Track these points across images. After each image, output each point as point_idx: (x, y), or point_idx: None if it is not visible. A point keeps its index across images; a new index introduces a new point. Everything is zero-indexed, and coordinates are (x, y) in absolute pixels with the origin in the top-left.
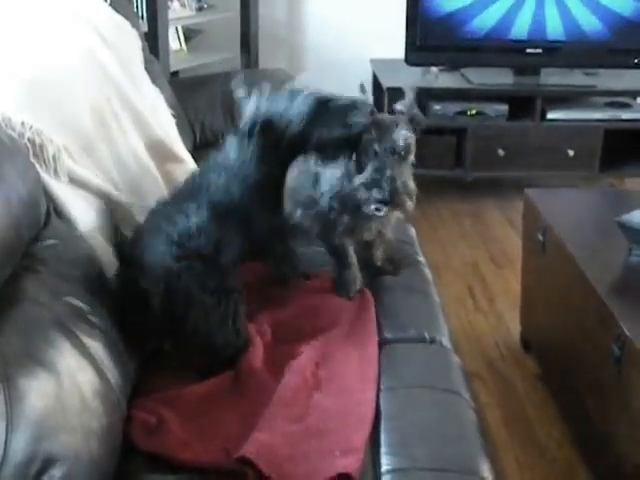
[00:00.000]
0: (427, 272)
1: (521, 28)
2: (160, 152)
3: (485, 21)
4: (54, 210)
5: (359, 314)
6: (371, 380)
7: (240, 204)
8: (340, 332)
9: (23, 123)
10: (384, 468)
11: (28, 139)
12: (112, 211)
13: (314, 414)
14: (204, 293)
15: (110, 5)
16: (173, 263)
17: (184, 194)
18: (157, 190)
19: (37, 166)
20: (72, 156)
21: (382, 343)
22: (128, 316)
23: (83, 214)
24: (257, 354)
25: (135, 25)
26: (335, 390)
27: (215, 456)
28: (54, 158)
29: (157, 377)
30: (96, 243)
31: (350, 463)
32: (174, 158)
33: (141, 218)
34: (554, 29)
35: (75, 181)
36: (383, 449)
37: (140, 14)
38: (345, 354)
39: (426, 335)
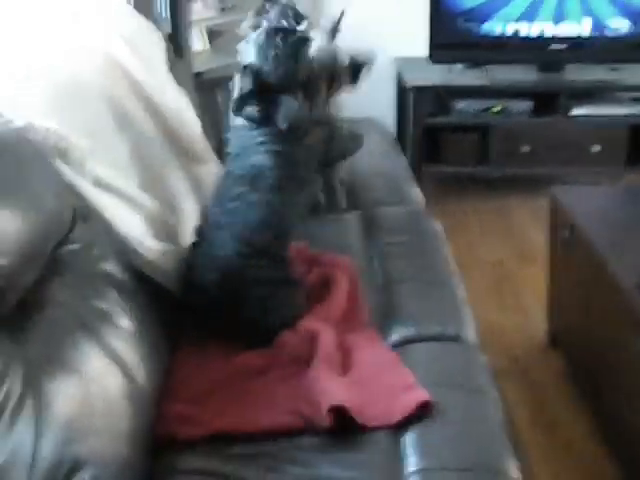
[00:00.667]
0: (452, 265)
1: (544, 24)
2: (185, 154)
3: (507, 17)
4: (80, 214)
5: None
6: (375, 338)
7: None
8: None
9: (48, 129)
10: (411, 469)
11: (54, 144)
12: (142, 211)
13: (354, 368)
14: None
15: (133, 7)
16: (239, 261)
17: (236, 185)
18: (184, 192)
19: (66, 169)
20: (97, 159)
21: (404, 339)
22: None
23: (114, 213)
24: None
25: (158, 26)
26: (356, 348)
27: (281, 419)
28: (80, 162)
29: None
30: (130, 242)
31: (420, 394)
32: (200, 159)
33: (168, 219)
34: (577, 24)
35: (101, 184)
36: (409, 450)
37: (163, 15)
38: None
39: (450, 331)
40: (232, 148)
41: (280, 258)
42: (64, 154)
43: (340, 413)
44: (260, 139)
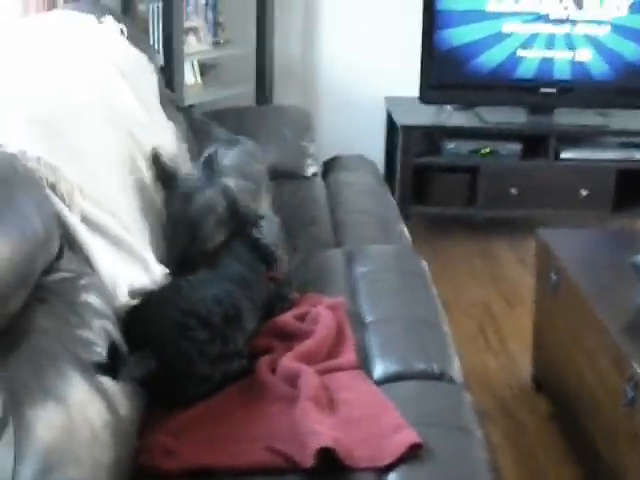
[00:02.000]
0: (438, 304)
1: (533, 67)
2: None
3: (497, 58)
4: (68, 243)
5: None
6: (363, 377)
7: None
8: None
9: (39, 159)
10: None
11: (42, 176)
12: (126, 254)
13: (342, 407)
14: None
15: (127, 39)
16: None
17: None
18: None
19: (54, 199)
20: (85, 194)
21: (389, 377)
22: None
23: (98, 252)
24: (264, 366)
25: (151, 59)
26: (342, 388)
27: (261, 457)
28: (68, 196)
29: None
30: (109, 280)
31: (410, 435)
32: None
33: (155, 267)
34: (564, 69)
35: (88, 220)
36: None
37: (156, 48)
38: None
39: (435, 369)
40: None
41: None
42: (53, 186)
43: (327, 454)
44: None
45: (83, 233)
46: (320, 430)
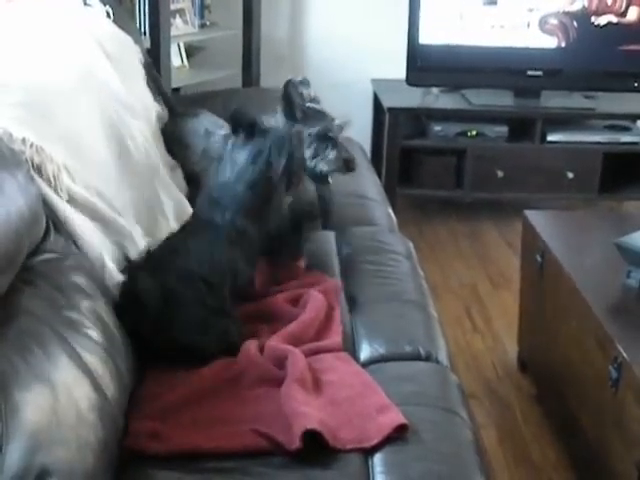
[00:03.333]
0: (424, 285)
1: (522, 50)
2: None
3: (485, 42)
4: (53, 225)
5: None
6: (348, 359)
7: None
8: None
9: (24, 139)
10: None
11: (27, 158)
12: (113, 233)
13: (326, 389)
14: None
15: (113, 21)
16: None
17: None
18: (165, 211)
19: (40, 180)
20: (72, 175)
21: (375, 358)
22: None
23: (85, 232)
24: (251, 348)
25: (137, 41)
26: (328, 369)
27: (246, 440)
28: (54, 177)
29: (153, 382)
30: (97, 260)
31: (395, 416)
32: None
33: (142, 242)
34: (554, 52)
35: (74, 201)
36: (378, 468)
37: (142, 30)
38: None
39: (421, 351)
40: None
41: (219, 291)
42: (39, 168)
43: (312, 436)
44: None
45: (70, 214)
46: (306, 412)
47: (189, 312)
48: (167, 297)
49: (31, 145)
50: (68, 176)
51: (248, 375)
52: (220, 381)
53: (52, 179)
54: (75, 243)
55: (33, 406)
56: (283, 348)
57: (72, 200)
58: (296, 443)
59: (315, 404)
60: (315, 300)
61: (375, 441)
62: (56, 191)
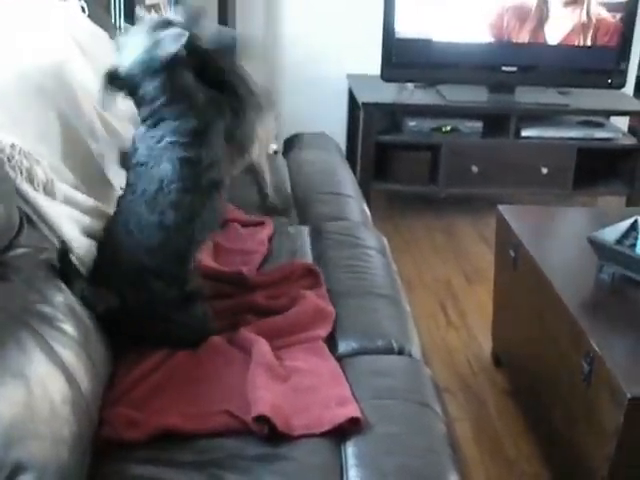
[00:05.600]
0: (398, 280)
1: (496, 46)
2: None
3: (460, 38)
4: (27, 219)
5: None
6: (321, 350)
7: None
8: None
9: (13, 145)
10: None
11: (18, 164)
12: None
13: (293, 376)
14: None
15: (88, 16)
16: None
17: (135, 203)
18: None
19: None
20: (45, 169)
21: (348, 352)
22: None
23: (66, 224)
24: (216, 338)
25: (112, 36)
26: (298, 359)
27: (220, 420)
28: (27, 170)
29: (125, 371)
30: (80, 251)
31: (352, 409)
32: None
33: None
34: (528, 48)
35: (50, 192)
36: (351, 461)
37: (118, 25)
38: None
39: (394, 345)
40: (138, 157)
41: (175, 277)
42: (28, 174)
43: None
44: (166, 141)
45: (45, 206)
46: (261, 396)
47: (151, 315)
48: (128, 311)
49: (20, 151)
50: (41, 169)
51: (215, 357)
52: (188, 365)
53: (24, 172)
54: (55, 234)
55: (7, 401)
56: (251, 337)
57: (47, 191)
58: (256, 427)
59: (277, 389)
60: (305, 300)
61: (325, 428)
62: (30, 183)
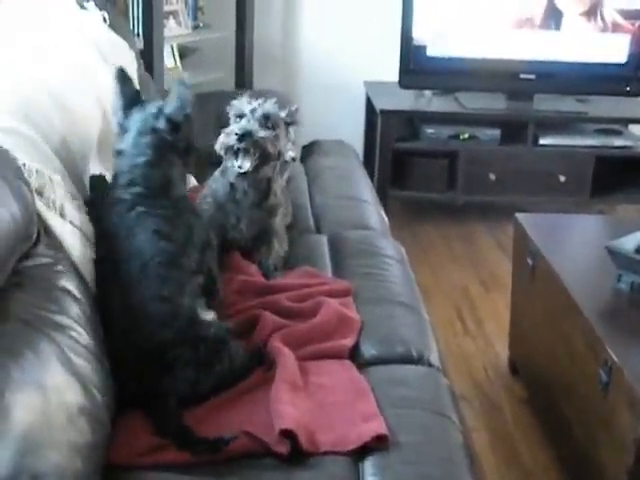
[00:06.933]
0: (416, 288)
1: (514, 54)
2: None
3: (478, 45)
4: (45, 230)
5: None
6: (348, 365)
7: None
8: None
9: (25, 164)
10: None
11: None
12: None
13: (317, 392)
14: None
15: (109, 26)
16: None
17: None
18: None
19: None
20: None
21: (368, 360)
22: None
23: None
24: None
25: (132, 45)
26: (324, 373)
27: (237, 442)
28: (40, 186)
29: None
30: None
31: (378, 425)
32: None
33: None
34: (547, 56)
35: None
36: (369, 470)
37: (136, 32)
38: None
39: (414, 353)
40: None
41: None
42: (40, 191)
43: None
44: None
45: (55, 223)
46: (286, 412)
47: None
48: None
49: (35, 169)
50: (71, 200)
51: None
52: None
53: (53, 204)
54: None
55: (24, 409)
56: (277, 347)
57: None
58: (281, 445)
59: (302, 405)
60: (328, 307)
61: (352, 446)
62: (62, 216)
